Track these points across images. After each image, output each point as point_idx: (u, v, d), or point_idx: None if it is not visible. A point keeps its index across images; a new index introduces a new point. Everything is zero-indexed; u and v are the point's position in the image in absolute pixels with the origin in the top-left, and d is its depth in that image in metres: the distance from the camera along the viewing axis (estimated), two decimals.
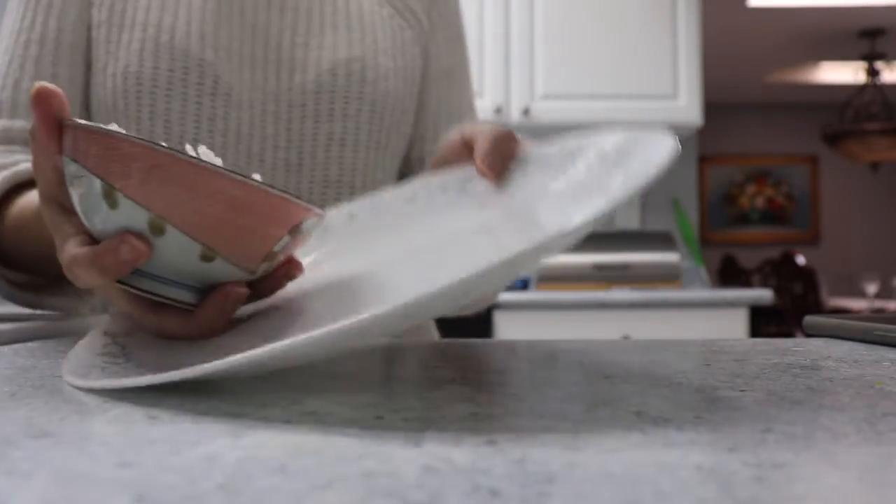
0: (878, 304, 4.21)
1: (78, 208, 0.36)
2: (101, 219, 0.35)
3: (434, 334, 0.82)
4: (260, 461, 0.21)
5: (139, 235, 0.34)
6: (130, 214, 0.34)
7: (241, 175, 0.34)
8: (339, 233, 0.51)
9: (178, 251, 0.34)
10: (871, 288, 4.16)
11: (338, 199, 0.70)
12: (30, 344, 0.51)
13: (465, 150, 0.52)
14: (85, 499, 0.17)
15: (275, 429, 0.25)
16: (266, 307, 0.41)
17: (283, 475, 0.19)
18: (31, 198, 0.57)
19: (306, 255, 0.50)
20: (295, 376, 0.35)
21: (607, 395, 0.31)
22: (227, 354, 0.33)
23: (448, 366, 0.39)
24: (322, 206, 0.70)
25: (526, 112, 2.49)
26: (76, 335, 0.63)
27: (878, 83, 4.46)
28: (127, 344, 0.39)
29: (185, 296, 0.37)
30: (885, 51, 4.55)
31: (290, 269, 0.39)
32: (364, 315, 0.26)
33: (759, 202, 5.89)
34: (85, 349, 0.38)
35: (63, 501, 0.17)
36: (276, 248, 0.36)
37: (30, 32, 0.68)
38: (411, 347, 0.48)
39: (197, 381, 0.33)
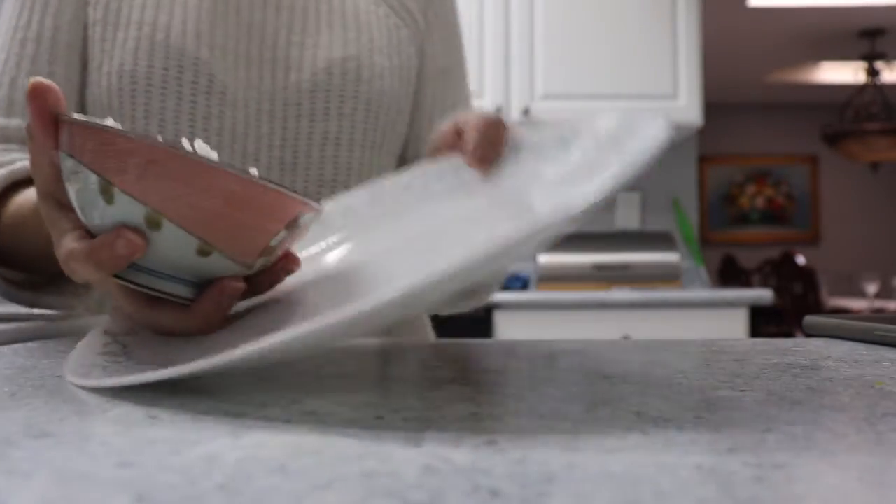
0: (878, 304, 4.21)
1: (75, 203, 0.36)
2: (98, 214, 0.35)
3: (430, 335, 0.82)
4: (260, 461, 0.21)
5: (136, 230, 0.34)
6: (127, 209, 0.34)
7: (237, 169, 0.34)
8: (336, 224, 0.51)
9: (174, 246, 0.34)
10: (871, 288, 4.16)
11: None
12: (30, 344, 0.51)
13: (458, 139, 0.52)
14: (85, 499, 0.17)
15: (275, 429, 0.25)
16: (264, 301, 0.41)
17: (283, 475, 0.19)
18: (28, 195, 0.57)
19: (303, 249, 0.50)
20: (295, 376, 0.35)
21: (607, 395, 0.31)
22: (226, 350, 0.32)
23: (448, 366, 0.39)
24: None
25: (526, 112, 2.49)
26: (76, 335, 0.63)
27: (878, 83, 4.46)
28: (128, 343, 0.39)
29: (182, 290, 0.37)
30: (885, 51, 4.55)
31: (288, 263, 0.39)
32: (363, 305, 0.25)
33: (759, 202, 5.89)
34: (86, 349, 0.38)
35: (63, 501, 0.17)
36: (273, 243, 0.36)
37: (26, 31, 0.68)
38: (411, 347, 0.48)
39: (197, 381, 0.33)
